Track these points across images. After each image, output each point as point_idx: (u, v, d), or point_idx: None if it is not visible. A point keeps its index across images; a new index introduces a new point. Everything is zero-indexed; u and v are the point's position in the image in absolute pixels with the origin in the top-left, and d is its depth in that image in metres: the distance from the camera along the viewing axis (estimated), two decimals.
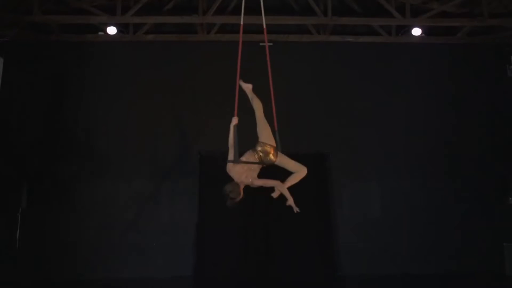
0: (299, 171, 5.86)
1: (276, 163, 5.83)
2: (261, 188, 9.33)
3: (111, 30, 10.06)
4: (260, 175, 5.80)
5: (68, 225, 9.43)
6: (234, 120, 5.71)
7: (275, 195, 5.89)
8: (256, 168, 5.75)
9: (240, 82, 6.14)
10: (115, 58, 10.19)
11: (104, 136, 9.86)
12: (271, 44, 10.12)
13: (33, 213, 9.35)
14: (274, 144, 5.80)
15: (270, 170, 5.95)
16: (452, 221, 9.79)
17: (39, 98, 9.92)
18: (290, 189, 5.88)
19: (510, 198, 9.49)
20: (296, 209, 5.79)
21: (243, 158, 5.60)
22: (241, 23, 6.17)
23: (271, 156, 5.75)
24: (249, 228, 9.52)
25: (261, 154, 5.70)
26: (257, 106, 5.98)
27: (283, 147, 5.98)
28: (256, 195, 9.37)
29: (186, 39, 10.29)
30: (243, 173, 5.62)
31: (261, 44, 9.93)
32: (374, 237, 9.68)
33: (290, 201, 5.80)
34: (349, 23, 10.14)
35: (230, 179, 5.89)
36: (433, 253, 9.61)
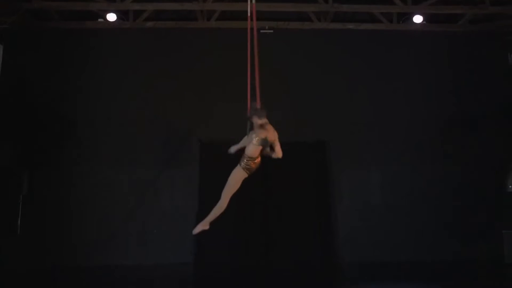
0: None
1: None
2: (261, 178, 9.50)
3: (111, 17, 10.02)
4: None
5: (69, 212, 9.48)
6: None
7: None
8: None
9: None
10: (115, 45, 10.16)
11: (104, 123, 9.85)
12: (271, 31, 10.14)
13: (34, 200, 9.40)
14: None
15: None
16: (452, 208, 9.83)
17: (39, 84, 9.88)
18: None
19: (510, 186, 9.51)
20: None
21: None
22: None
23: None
24: (249, 216, 9.53)
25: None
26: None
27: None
28: (256, 184, 9.55)
29: (186, 26, 10.24)
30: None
31: (262, 31, 9.93)
32: (374, 224, 9.73)
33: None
34: (350, 10, 10.08)
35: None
36: (433, 240, 9.66)
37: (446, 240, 9.64)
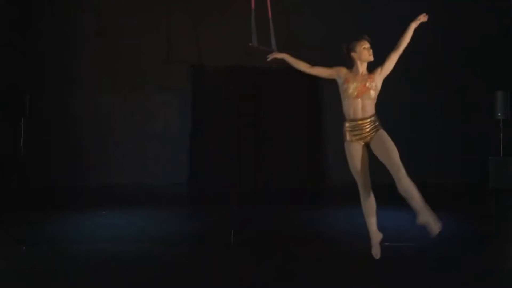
0: None
1: None
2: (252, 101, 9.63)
3: None
4: None
5: (68, 135, 9.84)
6: None
7: None
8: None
9: None
10: None
11: (98, 47, 9.93)
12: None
13: (36, 123, 9.71)
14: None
15: None
16: (439, 132, 10.01)
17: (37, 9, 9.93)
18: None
19: (499, 113, 9.56)
20: None
21: None
22: None
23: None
24: (241, 140, 9.81)
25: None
26: None
27: None
28: (248, 107, 9.74)
29: None
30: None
31: None
32: None
33: None
34: None
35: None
36: (417, 163, 9.75)
37: (431, 163, 9.89)
